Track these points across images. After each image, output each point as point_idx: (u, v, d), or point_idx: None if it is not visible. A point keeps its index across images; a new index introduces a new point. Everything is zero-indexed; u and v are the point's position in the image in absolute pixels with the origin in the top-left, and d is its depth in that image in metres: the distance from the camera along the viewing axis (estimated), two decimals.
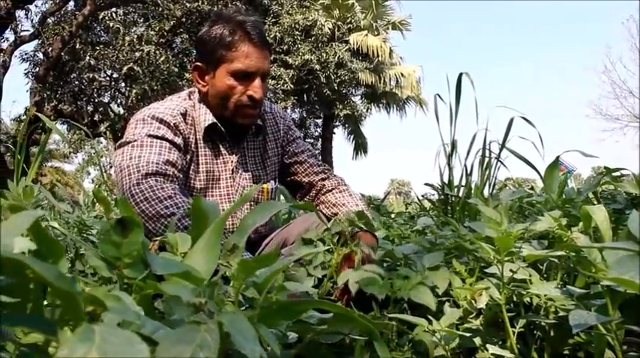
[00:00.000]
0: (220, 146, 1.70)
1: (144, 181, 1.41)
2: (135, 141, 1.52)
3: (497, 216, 1.28)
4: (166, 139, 1.54)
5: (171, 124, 1.58)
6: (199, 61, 1.68)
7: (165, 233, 1.32)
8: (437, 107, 2.49)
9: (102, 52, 11.08)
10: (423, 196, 2.90)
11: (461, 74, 2.36)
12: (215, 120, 1.66)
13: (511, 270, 1.04)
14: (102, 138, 15.71)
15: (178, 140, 1.58)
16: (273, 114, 1.86)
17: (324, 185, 1.86)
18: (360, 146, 21.03)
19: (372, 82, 18.56)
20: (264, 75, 1.66)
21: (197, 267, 0.66)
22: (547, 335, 1.18)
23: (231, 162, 1.71)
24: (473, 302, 1.06)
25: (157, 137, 1.53)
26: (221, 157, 1.70)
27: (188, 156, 1.62)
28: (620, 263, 0.52)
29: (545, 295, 1.09)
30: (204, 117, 1.66)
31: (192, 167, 1.64)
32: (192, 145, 1.64)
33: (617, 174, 2.58)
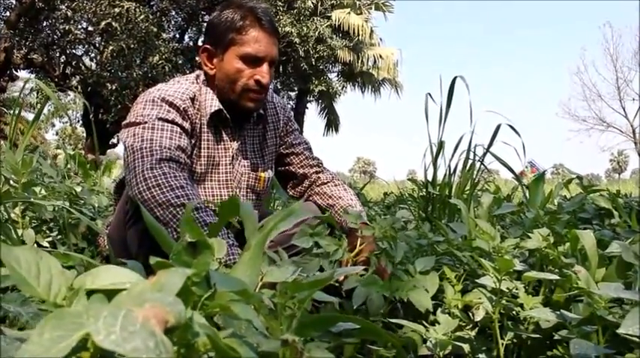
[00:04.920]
0: (223, 132, 1.72)
1: (157, 167, 1.42)
2: (145, 123, 1.53)
3: (491, 231, 1.36)
4: (176, 124, 1.56)
5: (181, 109, 1.59)
6: (208, 44, 1.70)
7: (172, 222, 1.36)
8: (427, 106, 2.55)
9: (80, 4, 10.74)
10: (403, 190, 2.98)
11: (455, 78, 2.41)
12: (221, 107, 1.68)
13: (508, 288, 1.11)
14: (70, 92, 15.34)
15: (186, 125, 1.60)
16: (275, 104, 1.88)
17: (319, 177, 1.91)
18: (332, 123, 21.09)
19: (349, 60, 18.54)
20: (272, 61, 1.68)
21: (243, 279, 0.70)
22: (525, 345, 1.27)
23: (232, 148, 1.73)
24: (471, 315, 1.13)
25: (167, 121, 1.55)
26: (222, 143, 1.72)
27: (193, 141, 1.64)
28: (634, 315, 0.58)
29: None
30: (211, 102, 1.67)
31: (194, 151, 1.66)
32: (197, 129, 1.66)
33: (577, 179, 2.70)
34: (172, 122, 1.55)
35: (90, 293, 0.42)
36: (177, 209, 1.36)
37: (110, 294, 0.40)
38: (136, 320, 0.30)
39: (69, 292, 0.40)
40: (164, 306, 0.32)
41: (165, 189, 1.38)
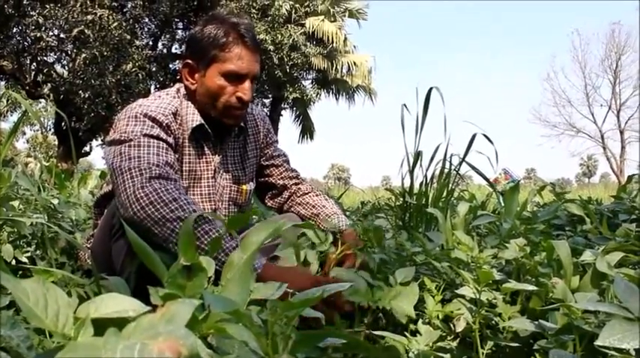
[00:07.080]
0: (204, 146, 1.72)
1: (148, 184, 1.39)
2: (130, 140, 1.51)
3: (469, 242, 1.40)
4: (162, 139, 1.55)
5: (164, 124, 1.59)
6: (190, 59, 1.69)
7: (172, 237, 1.35)
8: (403, 117, 2.59)
9: (51, 11, 10.57)
10: (378, 199, 3.01)
11: (430, 89, 2.46)
12: (203, 121, 1.68)
13: (487, 299, 1.14)
14: (41, 99, 15.09)
15: (171, 140, 1.59)
16: (255, 116, 1.89)
17: (299, 188, 1.94)
18: (307, 130, 21.12)
19: (324, 67, 18.61)
20: (254, 77, 1.69)
21: (232, 298, 0.72)
22: (504, 353, 1.30)
23: (214, 162, 1.74)
24: (452, 325, 1.16)
25: (152, 136, 1.53)
26: (204, 157, 1.72)
27: (177, 155, 1.64)
28: (611, 328, 0.61)
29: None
30: (192, 117, 1.68)
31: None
32: (180, 144, 1.66)
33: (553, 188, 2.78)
34: (157, 138, 1.55)
35: (94, 321, 0.43)
36: (174, 223, 1.34)
37: (114, 323, 0.41)
38: (152, 353, 0.31)
39: (75, 322, 0.41)
40: (177, 339, 0.33)
41: (158, 206, 1.36)
